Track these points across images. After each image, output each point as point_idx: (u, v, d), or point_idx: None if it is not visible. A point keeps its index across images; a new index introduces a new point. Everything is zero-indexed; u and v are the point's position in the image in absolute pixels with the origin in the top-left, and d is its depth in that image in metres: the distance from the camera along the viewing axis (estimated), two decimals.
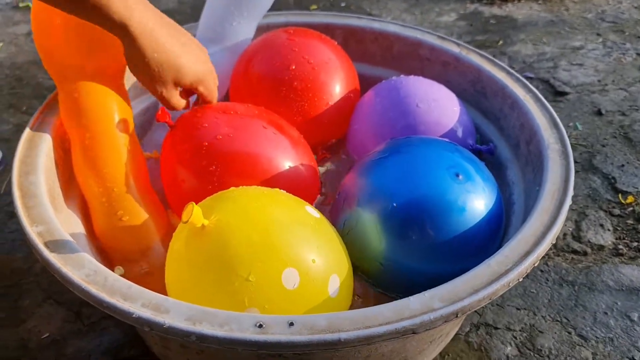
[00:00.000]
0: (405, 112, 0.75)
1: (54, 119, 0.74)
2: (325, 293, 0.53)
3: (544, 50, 1.47)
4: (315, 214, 0.58)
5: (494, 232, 0.64)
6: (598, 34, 1.54)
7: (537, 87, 1.31)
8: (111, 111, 0.68)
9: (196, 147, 0.68)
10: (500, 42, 1.51)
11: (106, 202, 0.66)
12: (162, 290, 0.56)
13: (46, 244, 0.57)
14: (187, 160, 0.68)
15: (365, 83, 0.90)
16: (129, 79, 0.88)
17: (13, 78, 1.36)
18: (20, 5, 1.67)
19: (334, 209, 0.70)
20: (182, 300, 0.53)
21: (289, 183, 0.68)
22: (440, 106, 0.76)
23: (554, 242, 0.59)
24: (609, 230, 0.96)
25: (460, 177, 0.62)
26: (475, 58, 0.88)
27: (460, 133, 0.76)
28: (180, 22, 0.78)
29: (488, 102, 0.86)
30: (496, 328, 0.80)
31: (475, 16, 1.65)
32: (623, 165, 1.09)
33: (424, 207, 0.60)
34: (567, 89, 1.31)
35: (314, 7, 1.70)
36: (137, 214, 0.68)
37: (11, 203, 1.01)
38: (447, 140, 0.70)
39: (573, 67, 1.39)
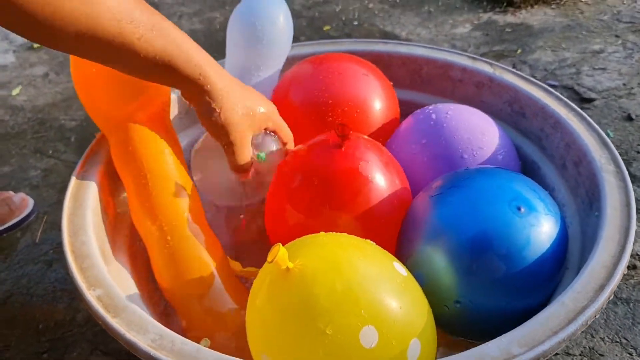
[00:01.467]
0: (457, 145, 0.73)
1: (97, 168, 0.73)
2: (404, 358, 0.51)
3: (564, 56, 1.46)
4: (403, 271, 0.56)
5: (559, 262, 0.63)
6: (617, 36, 1.52)
7: (562, 95, 1.30)
8: (164, 155, 0.68)
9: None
10: (519, 50, 1.50)
11: (166, 246, 0.66)
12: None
13: (107, 308, 0.56)
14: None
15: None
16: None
17: (36, 122, 1.36)
18: (35, 46, 1.67)
19: (400, 248, 0.68)
20: (261, 344, 0.52)
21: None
22: (491, 140, 0.74)
23: (625, 273, 0.57)
24: None
25: (522, 210, 0.60)
26: (510, 77, 0.87)
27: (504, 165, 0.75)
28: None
29: (527, 122, 0.85)
30: (555, 354, 0.78)
31: (490, 25, 1.64)
32: None
33: (489, 242, 0.58)
34: (593, 95, 1.30)
35: (327, 27, 1.70)
36: (197, 255, 0.67)
37: (48, 252, 1.00)
38: (505, 169, 0.68)
39: (596, 72, 1.38)
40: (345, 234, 0.59)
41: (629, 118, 1.22)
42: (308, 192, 0.66)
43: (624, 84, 1.33)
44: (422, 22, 1.69)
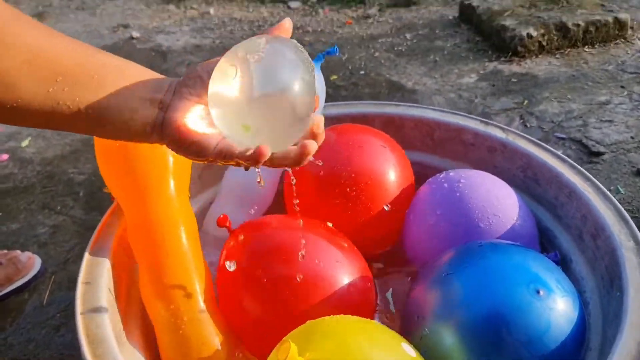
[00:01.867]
0: (472, 214, 0.73)
1: (111, 242, 0.73)
2: None
3: (570, 107, 1.46)
4: (412, 352, 0.55)
5: (579, 344, 0.62)
6: (622, 87, 1.53)
7: (570, 148, 1.30)
8: (179, 231, 0.68)
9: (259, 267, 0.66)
10: (526, 102, 1.51)
11: (175, 328, 0.65)
12: None
13: None
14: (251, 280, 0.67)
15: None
16: None
17: (44, 175, 1.36)
18: None
19: (405, 324, 0.67)
20: None
21: (346, 301, 0.66)
22: (508, 206, 0.74)
23: None
24: None
25: (542, 293, 0.59)
26: (523, 144, 0.87)
27: (526, 237, 0.74)
28: None
29: (541, 188, 0.84)
30: None
31: (495, 75, 1.65)
32: None
33: (505, 323, 0.57)
34: (602, 149, 1.30)
35: (335, 77, 1.71)
36: (209, 340, 0.66)
37: (56, 315, 0.99)
38: (519, 245, 0.68)
39: (604, 125, 1.38)
40: (350, 315, 0.58)
41: (639, 173, 1.22)
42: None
43: (632, 137, 1.33)
44: (428, 71, 1.71)
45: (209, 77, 0.41)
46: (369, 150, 0.81)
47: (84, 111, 0.41)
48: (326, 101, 0.99)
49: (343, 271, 0.67)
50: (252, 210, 0.87)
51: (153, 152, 0.70)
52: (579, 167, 0.80)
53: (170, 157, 0.72)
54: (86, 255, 0.70)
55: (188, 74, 0.43)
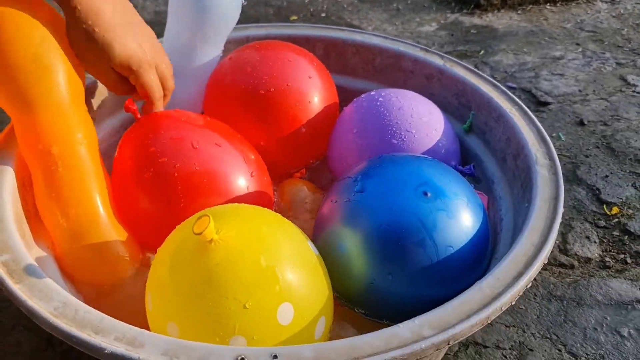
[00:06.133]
0: (385, 131, 0.73)
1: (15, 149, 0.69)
2: (312, 335, 0.51)
3: (525, 60, 1.47)
4: (316, 250, 0.56)
5: (479, 251, 0.62)
6: (577, 44, 1.54)
7: (519, 97, 1.31)
8: (73, 134, 0.64)
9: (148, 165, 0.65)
10: (482, 52, 1.51)
11: (71, 231, 0.62)
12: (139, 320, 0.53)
13: (10, 274, 0.53)
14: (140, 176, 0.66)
15: (347, 96, 0.88)
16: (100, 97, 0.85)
17: None
18: None
19: (315, 229, 0.67)
20: (170, 312, 0.50)
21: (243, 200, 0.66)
22: (423, 124, 0.74)
23: (545, 262, 0.57)
24: (595, 242, 0.95)
25: (429, 195, 0.59)
26: (459, 70, 0.87)
27: (443, 153, 0.74)
28: (158, 34, 0.75)
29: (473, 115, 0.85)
30: (485, 347, 0.78)
31: (456, 26, 1.64)
32: (607, 176, 1.08)
33: (399, 229, 0.58)
34: (549, 99, 1.31)
35: (294, 17, 1.68)
36: (109, 242, 0.64)
37: None
38: (419, 155, 0.68)
39: (554, 77, 1.40)
40: (266, 209, 0.58)
41: (581, 123, 1.23)
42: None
43: (580, 90, 1.34)
44: (389, 18, 1.69)
45: None
46: (290, 66, 0.80)
47: None
48: (284, 36, 0.96)
49: (232, 167, 0.67)
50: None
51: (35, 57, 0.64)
52: (509, 92, 0.81)
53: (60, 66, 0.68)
54: None
55: None
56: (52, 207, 0.63)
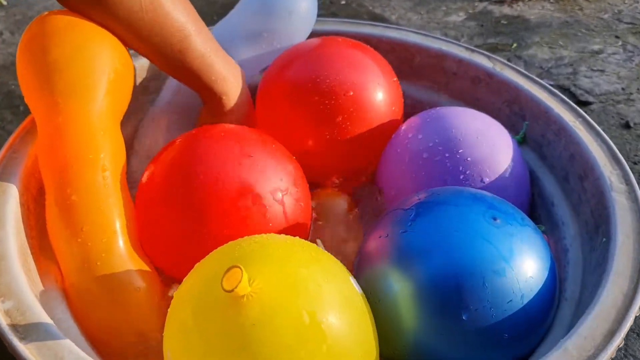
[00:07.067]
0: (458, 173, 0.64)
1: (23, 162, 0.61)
2: None
3: (561, 54, 1.37)
4: (358, 288, 0.47)
5: (552, 292, 0.54)
6: (617, 37, 1.44)
7: None
8: (97, 155, 0.56)
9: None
10: (515, 45, 1.41)
11: (87, 269, 0.54)
12: None
13: (15, 327, 0.45)
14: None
15: None
16: None
17: None
18: None
19: (360, 265, 0.59)
20: None
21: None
22: (503, 172, 0.65)
23: (638, 314, 0.49)
24: None
25: (498, 220, 0.51)
26: (511, 75, 0.78)
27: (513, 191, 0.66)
28: (210, 24, 0.72)
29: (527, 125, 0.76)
30: None
31: (485, 16, 1.54)
32: None
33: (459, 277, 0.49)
34: (591, 99, 1.22)
35: None
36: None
37: None
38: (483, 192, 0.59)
39: (594, 74, 1.30)
40: (300, 239, 0.49)
41: (627, 125, 1.14)
42: None
43: (623, 89, 1.25)
44: (413, 6, 1.59)
45: None
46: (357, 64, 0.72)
47: None
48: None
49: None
50: None
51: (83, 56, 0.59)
52: (571, 102, 0.72)
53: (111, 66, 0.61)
54: None
55: None
56: (62, 229, 0.55)
